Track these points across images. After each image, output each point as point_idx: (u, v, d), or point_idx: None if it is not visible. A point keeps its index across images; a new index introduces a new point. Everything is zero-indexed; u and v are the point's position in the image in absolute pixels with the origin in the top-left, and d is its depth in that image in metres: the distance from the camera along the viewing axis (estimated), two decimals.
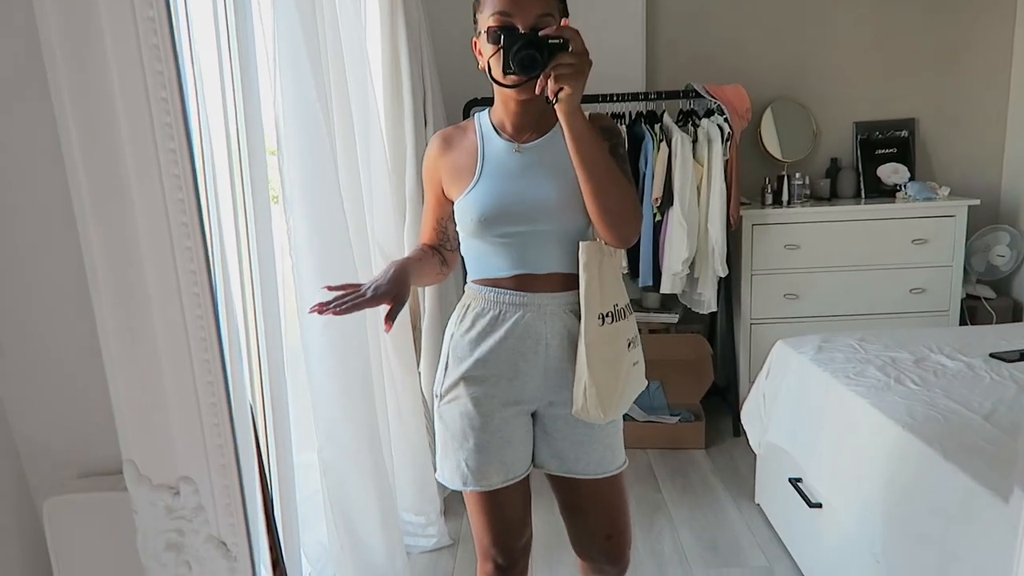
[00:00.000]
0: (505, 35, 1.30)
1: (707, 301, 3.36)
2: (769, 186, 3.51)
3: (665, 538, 2.62)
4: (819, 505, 2.15)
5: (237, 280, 1.59)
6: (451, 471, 1.54)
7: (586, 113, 1.36)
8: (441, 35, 3.12)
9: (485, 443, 1.49)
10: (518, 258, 1.47)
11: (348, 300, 1.34)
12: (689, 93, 3.35)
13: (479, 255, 1.52)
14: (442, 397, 1.54)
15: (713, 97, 3.23)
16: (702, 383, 3.52)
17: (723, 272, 3.24)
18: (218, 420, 0.72)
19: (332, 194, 1.83)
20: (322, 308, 1.32)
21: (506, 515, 1.55)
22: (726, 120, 3.17)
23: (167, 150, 0.75)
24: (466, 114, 3.24)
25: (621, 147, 1.49)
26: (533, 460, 1.58)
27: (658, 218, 3.21)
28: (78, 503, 0.81)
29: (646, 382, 1.61)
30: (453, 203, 1.50)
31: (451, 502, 2.81)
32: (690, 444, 3.34)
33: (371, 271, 2.26)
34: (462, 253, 1.57)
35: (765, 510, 2.71)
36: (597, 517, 1.60)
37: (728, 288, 3.44)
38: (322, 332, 1.84)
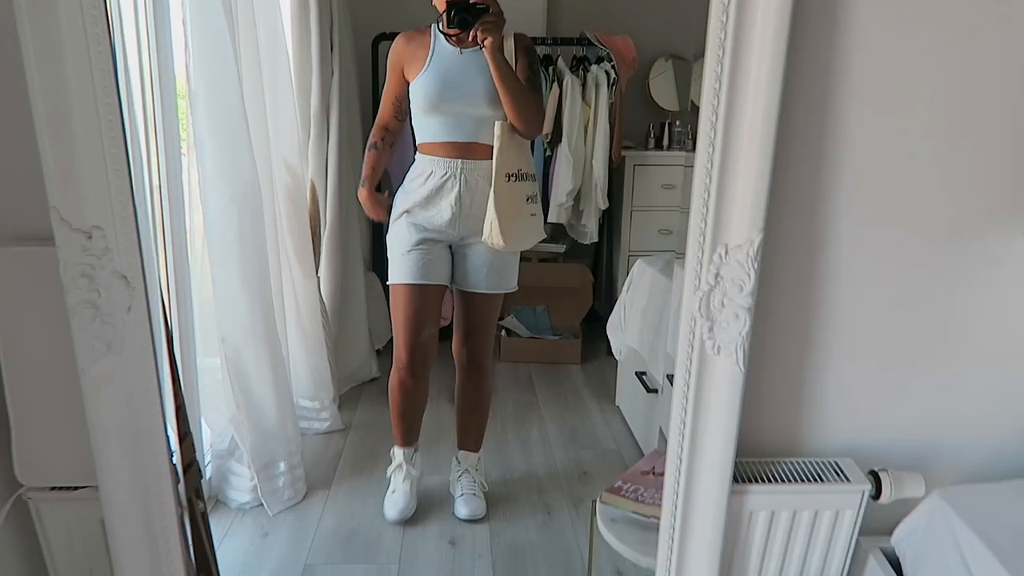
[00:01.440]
0: (449, 3, 1.94)
1: (590, 232, 3.72)
2: (653, 131, 3.87)
3: (533, 430, 2.99)
4: (655, 390, 2.55)
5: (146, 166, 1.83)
6: (393, 274, 2.21)
7: (515, 33, 2.11)
8: None
9: (412, 255, 2.16)
10: (451, 129, 2.08)
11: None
12: (583, 40, 3.66)
13: (422, 127, 2.14)
14: (392, 223, 2.22)
15: (603, 45, 3.54)
16: (582, 307, 3.89)
17: (603, 204, 3.60)
18: (120, 183, 1.00)
19: (233, 97, 2.06)
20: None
21: (417, 309, 2.20)
22: (613, 67, 3.50)
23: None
24: (374, 47, 3.47)
25: (535, 63, 2.16)
26: (451, 280, 2.26)
27: (548, 153, 3.54)
28: (10, 253, 1.10)
29: (544, 233, 2.27)
30: (409, 84, 2.11)
31: (346, 397, 3.12)
32: (567, 360, 3.72)
33: (272, 179, 2.51)
34: (412, 125, 2.17)
35: (622, 409, 3.12)
36: (475, 318, 2.30)
37: (610, 223, 3.81)
38: (222, 219, 2.09)
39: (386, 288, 3.59)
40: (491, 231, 2.08)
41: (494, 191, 2.06)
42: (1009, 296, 1.29)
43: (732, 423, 1.18)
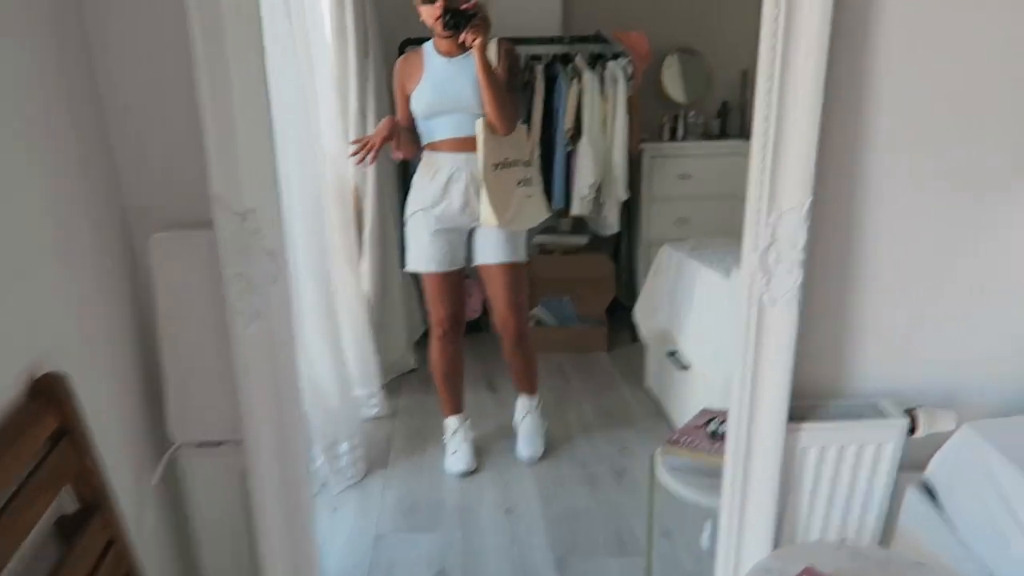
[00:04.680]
0: (444, 7, 2.21)
1: (611, 224, 3.88)
2: (667, 123, 4.04)
3: (570, 414, 3.15)
4: (687, 367, 2.71)
5: None
6: (415, 263, 2.53)
7: (499, 40, 2.37)
8: None
9: (430, 247, 2.47)
10: (451, 127, 2.39)
11: (366, 151, 2.32)
12: (598, 38, 3.83)
13: (426, 130, 2.44)
14: (408, 219, 2.52)
15: (618, 41, 3.72)
16: (606, 297, 4.06)
17: (624, 195, 3.76)
18: (271, 170, 1.18)
19: (300, 98, 2.23)
20: (359, 161, 2.35)
21: (445, 289, 2.54)
22: (629, 62, 3.67)
23: None
24: (401, 49, 3.64)
25: (515, 66, 2.44)
26: (469, 261, 2.57)
27: (570, 147, 3.70)
28: (171, 237, 1.27)
29: (547, 213, 2.58)
30: (409, 98, 2.40)
31: (388, 387, 3.28)
32: (595, 347, 3.88)
33: (324, 178, 2.68)
34: (418, 129, 2.46)
35: (652, 390, 3.28)
36: (499, 290, 2.56)
37: (630, 214, 3.97)
38: (295, 209, 2.27)
39: (418, 285, 3.79)
40: (486, 214, 2.38)
41: (484, 180, 2.35)
42: None
43: (788, 367, 1.35)
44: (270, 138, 1.22)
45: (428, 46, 2.42)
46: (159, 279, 1.26)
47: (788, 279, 1.29)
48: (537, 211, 2.52)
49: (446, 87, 2.35)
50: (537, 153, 3.57)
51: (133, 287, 1.33)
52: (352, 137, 3.06)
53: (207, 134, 1.14)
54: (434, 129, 2.41)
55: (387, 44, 3.52)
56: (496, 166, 2.37)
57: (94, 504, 1.06)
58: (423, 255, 2.51)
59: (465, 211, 2.45)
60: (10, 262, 1.03)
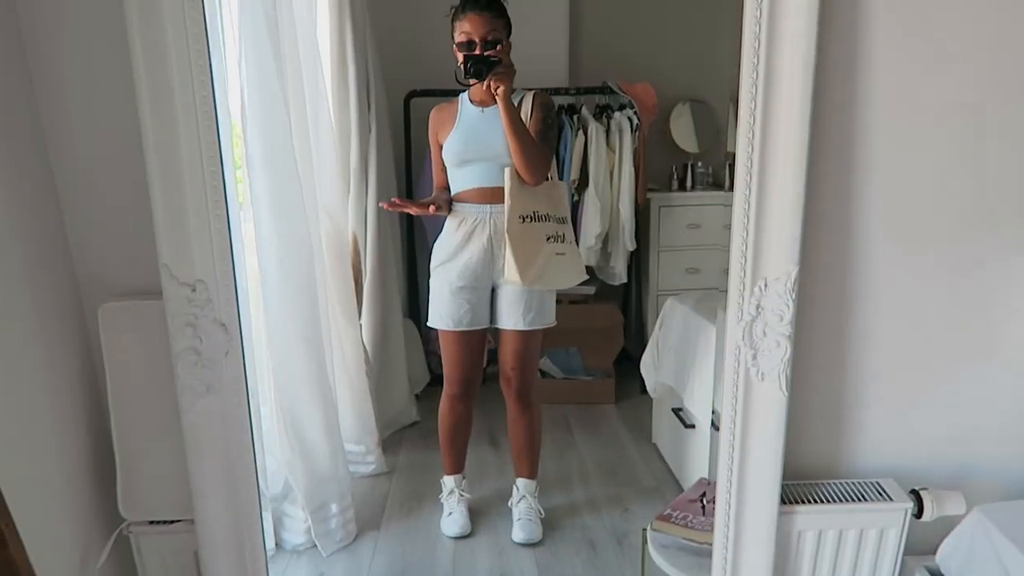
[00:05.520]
0: (465, 55, 2.18)
1: (619, 273, 3.81)
2: (676, 173, 3.99)
3: (573, 467, 3.05)
4: (692, 426, 2.61)
5: None
6: (435, 319, 2.41)
7: (534, 91, 2.35)
8: (386, 34, 3.50)
9: (452, 304, 2.36)
10: (478, 177, 2.32)
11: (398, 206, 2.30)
12: (605, 89, 3.81)
13: (455, 180, 2.37)
14: (433, 271, 2.41)
15: (624, 93, 3.69)
16: (614, 348, 3.96)
17: (631, 246, 3.70)
18: (222, 240, 1.12)
19: (288, 158, 2.20)
20: (391, 205, 2.29)
21: (462, 351, 2.42)
22: (635, 113, 3.64)
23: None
24: (406, 104, 3.64)
25: (549, 118, 2.34)
26: (491, 321, 2.43)
27: (576, 198, 3.66)
28: (121, 307, 1.22)
29: (580, 276, 2.39)
30: (442, 147, 2.34)
31: (388, 441, 3.20)
32: (601, 400, 3.78)
33: (319, 229, 2.65)
34: (448, 181, 2.38)
35: (659, 446, 3.17)
36: (512, 355, 2.45)
37: (638, 264, 3.90)
38: (278, 273, 2.22)
39: (422, 334, 3.74)
40: (509, 270, 2.24)
41: (508, 232, 2.23)
42: None
43: (778, 446, 1.26)
44: (223, 208, 1.17)
45: (464, 96, 2.37)
46: (108, 350, 1.21)
47: (776, 353, 1.21)
48: (568, 272, 2.35)
49: (477, 136, 2.30)
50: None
51: (82, 359, 1.28)
52: (352, 191, 3.04)
53: (155, 203, 1.11)
54: (462, 178, 2.34)
55: (391, 97, 3.52)
56: (523, 218, 2.24)
57: None
58: (442, 311, 2.39)
59: (487, 266, 2.34)
60: None
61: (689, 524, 1.59)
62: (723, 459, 1.28)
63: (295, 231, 2.24)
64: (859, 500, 1.35)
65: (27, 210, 1.18)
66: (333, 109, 2.92)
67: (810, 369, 1.33)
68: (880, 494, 1.37)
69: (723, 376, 1.24)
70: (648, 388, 3.16)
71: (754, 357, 1.22)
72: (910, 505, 1.35)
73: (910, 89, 1.25)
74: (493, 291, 2.41)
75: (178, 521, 1.29)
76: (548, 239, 2.29)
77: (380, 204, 2.36)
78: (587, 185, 3.62)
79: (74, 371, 1.28)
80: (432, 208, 2.32)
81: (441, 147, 2.37)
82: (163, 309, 1.16)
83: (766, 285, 1.18)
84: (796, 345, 1.22)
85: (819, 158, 1.20)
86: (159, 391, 1.21)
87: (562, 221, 2.35)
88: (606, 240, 3.74)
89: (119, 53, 1.11)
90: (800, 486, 1.37)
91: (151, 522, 1.30)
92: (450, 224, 2.39)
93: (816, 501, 1.36)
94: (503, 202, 2.25)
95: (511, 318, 2.40)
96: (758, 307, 1.20)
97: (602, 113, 3.76)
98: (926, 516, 1.36)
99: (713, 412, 2.30)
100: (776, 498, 1.29)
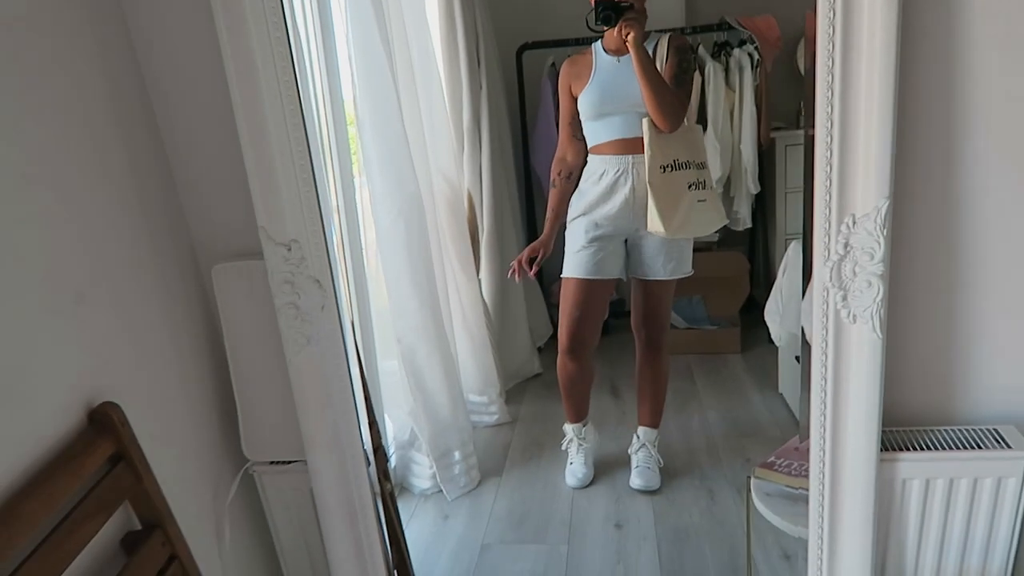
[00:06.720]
0: (596, 2, 2.13)
1: (743, 218, 3.67)
2: (803, 109, 3.75)
3: (694, 417, 3.02)
4: None
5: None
6: (568, 268, 2.39)
7: (669, 34, 2.30)
8: None
9: (586, 252, 2.34)
10: (617, 128, 2.28)
11: (516, 271, 2.40)
12: (723, 25, 3.63)
13: (592, 132, 2.34)
14: (569, 223, 2.41)
15: (744, 28, 3.51)
16: (739, 296, 3.85)
17: (755, 189, 3.55)
18: (310, 202, 1.23)
19: (395, 121, 2.28)
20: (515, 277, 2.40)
21: (585, 302, 2.38)
22: (756, 49, 3.45)
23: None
24: (519, 56, 3.64)
25: (685, 61, 2.28)
26: (627, 271, 2.44)
27: None
28: (231, 267, 1.36)
29: (722, 220, 2.39)
30: (577, 99, 2.32)
31: (511, 392, 3.30)
32: (726, 349, 3.70)
33: (432, 191, 2.73)
34: (584, 134, 2.36)
35: (784, 395, 3.07)
36: (648, 303, 2.47)
37: (763, 207, 3.74)
38: (391, 231, 2.32)
39: (544, 287, 3.78)
40: (652, 220, 2.23)
41: (650, 183, 2.21)
42: None
43: (874, 390, 1.20)
44: (310, 172, 1.25)
45: (597, 45, 2.32)
46: (223, 307, 1.34)
47: (868, 293, 1.15)
48: (710, 218, 2.34)
49: (614, 87, 2.25)
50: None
51: (204, 315, 1.43)
52: (467, 149, 3.11)
53: (249, 171, 1.20)
54: (600, 131, 2.31)
55: (503, 51, 3.53)
56: (664, 168, 2.22)
57: (154, 522, 1.15)
58: (572, 260, 2.38)
59: (628, 216, 2.31)
60: (83, 292, 1.13)
61: (792, 471, 1.55)
62: (815, 404, 1.24)
63: (405, 191, 2.33)
64: (973, 448, 1.27)
65: (147, 188, 1.33)
66: (443, 68, 2.98)
67: (911, 310, 1.24)
68: (998, 442, 1.28)
69: (811, 318, 1.19)
70: (772, 336, 3.05)
71: (844, 298, 1.16)
72: None
73: None
74: (626, 242, 2.40)
75: (295, 461, 1.42)
76: (689, 187, 2.27)
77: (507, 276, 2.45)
78: (705, 127, 3.49)
79: (199, 326, 1.43)
80: (542, 253, 2.39)
81: (575, 100, 2.34)
82: (265, 268, 1.27)
83: (854, 222, 1.11)
84: (893, 285, 1.15)
85: (913, 64, 1.09)
86: (269, 343, 1.33)
87: (701, 167, 2.31)
88: (728, 184, 3.61)
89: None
90: (905, 432, 1.30)
91: (271, 462, 1.44)
92: (589, 176, 2.37)
93: (924, 448, 1.28)
94: (643, 152, 2.23)
95: (652, 268, 2.39)
96: (846, 246, 1.13)
97: (720, 51, 3.59)
98: None
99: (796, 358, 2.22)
100: (874, 444, 1.23)
